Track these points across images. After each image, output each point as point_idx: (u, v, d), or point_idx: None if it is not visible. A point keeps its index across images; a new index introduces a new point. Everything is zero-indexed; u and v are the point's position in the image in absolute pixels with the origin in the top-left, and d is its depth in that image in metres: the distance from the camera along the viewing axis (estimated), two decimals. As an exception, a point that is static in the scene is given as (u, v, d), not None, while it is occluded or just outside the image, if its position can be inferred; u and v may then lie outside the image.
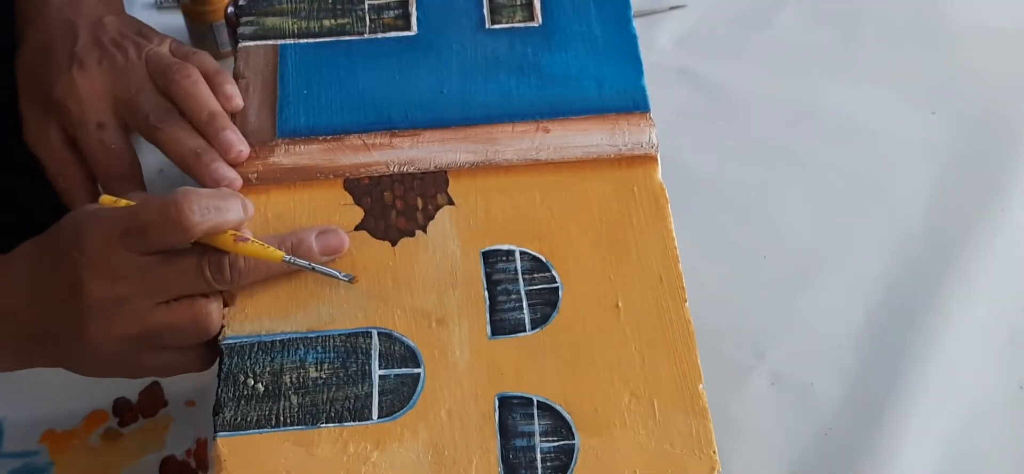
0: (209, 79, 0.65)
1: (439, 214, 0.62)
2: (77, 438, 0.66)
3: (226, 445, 0.54)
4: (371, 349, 0.57)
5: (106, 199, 0.58)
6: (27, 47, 0.68)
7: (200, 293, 0.57)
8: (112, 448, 0.66)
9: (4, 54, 0.70)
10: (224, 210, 0.56)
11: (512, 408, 0.55)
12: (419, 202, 0.62)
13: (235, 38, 0.71)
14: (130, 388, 0.67)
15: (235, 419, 0.55)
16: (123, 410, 0.67)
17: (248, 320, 0.58)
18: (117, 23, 0.69)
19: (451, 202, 0.62)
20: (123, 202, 0.58)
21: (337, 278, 0.58)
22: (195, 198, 0.55)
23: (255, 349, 0.57)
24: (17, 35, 0.70)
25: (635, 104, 0.66)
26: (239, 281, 0.57)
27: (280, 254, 0.57)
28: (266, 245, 0.57)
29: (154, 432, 0.66)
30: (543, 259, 0.60)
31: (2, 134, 0.71)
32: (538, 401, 0.55)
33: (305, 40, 0.69)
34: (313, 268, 0.58)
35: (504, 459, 0.53)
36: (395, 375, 0.56)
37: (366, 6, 0.70)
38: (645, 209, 0.61)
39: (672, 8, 0.94)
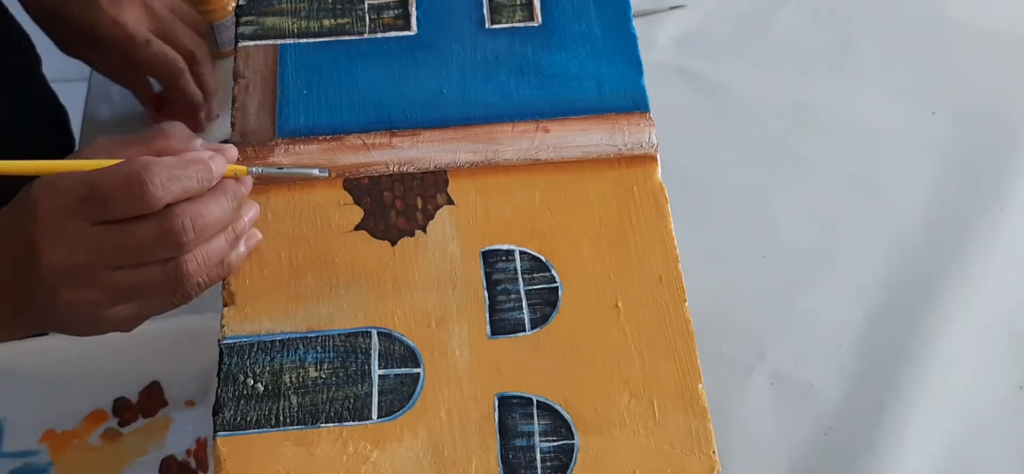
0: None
1: (439, 214, 0.61)
2: (77, 438, 0.66)
3: (226, 445, 0.54)
4: (371, 349, 0.57)
5: (61, 163, 0.56)
6: None
7: (162, 256, 0.55)
8: (112, 448, 0.66)
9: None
10: (185, 179, 0.54)
11: (512, 408, 0.55)
12: (419, 202, 0.62)
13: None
14: (130, 388, 0.67)
15: (235, 419, 0.55)
16: (123, 410, 0.67)
17: (248, 320, 0.58)
18: None
19: (451, 202, 0.62)
20: (88, 164, 0.55)
21: (313, 176, 0.58)
22: (157, 170, 0.53)
23: (255, 349, 0.57)
24: None
25: (635, 104, 0.65)
26: (206, 232, 0.56)
27: (245, 169, 0.57)
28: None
29: (154, 432, 0.66)
30: (543, 259, 0.60)
31: None
32: (538, 401, 0.55)
33: (305, 40, 0.69)
34: (284, 172, 0.57)
35: (504, 459, 0.53)
36: (395, 375, 0.56)
37: (366, 6, 0.70)
38: (645, 209, 0.61)
39: (672, 8, 0.94)
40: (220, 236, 0.57)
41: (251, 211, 0.59)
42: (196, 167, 0.55)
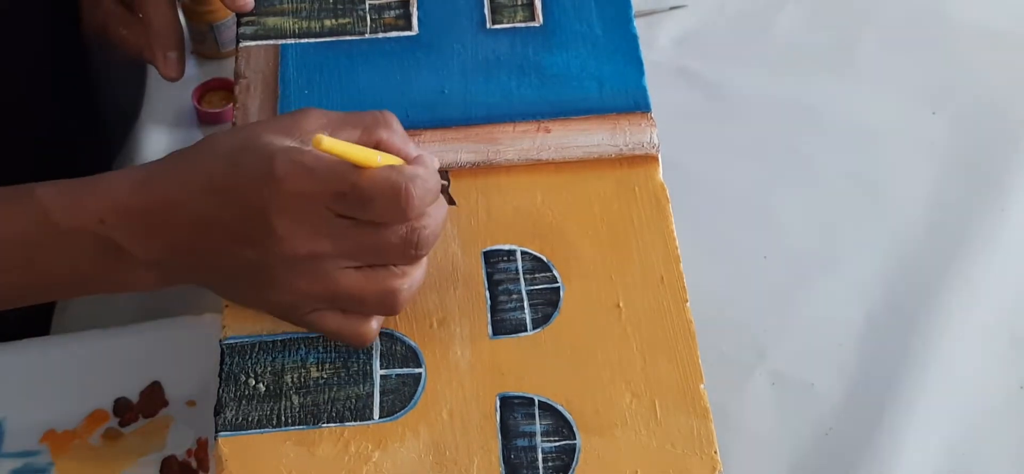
0: None
1: (440, 214, 0.61)
2: (78, 438, 0.66)
3: (227, 445, 0.54)
4: (372, 349, 0.57)
5: (323, 140, 0.50)
6: None
7: (396, 263, 0.54)
8: (113, 448, 0.66)
9: None
10: (431, 192, 0.54)
11: (513, 408, 0.55)
12: (420, 202, 0.62)
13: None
14: (131, 388, 0.67)
15: (236, 419, 0.55)
16: (124, 410, 0.67)
17: (249, 320, 0.58)
18: None
19: (452, 202, 0.62)
20: (335, 147, 0.51)
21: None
22: (419, 182, 0.52)
23: (256, 349, 0.57)
24: None
25: (636, 104, 0.66)
26: (432, 245, 0.55)
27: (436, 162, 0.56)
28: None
29: (155, 432, 0.66)
30: (544, 259, 0.60)
31: None
32: (539, 401, 0.55)
33: (306, 40, 0.69)
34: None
35: (505, 459, 0.53)
36: (396, 375, 0.56)
37: (367, 6, 0.70)
38: (646, 209, 0.61)
39: (672, 8, 0.94)
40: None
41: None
42: (436, 178, 0.55)
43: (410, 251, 0.54)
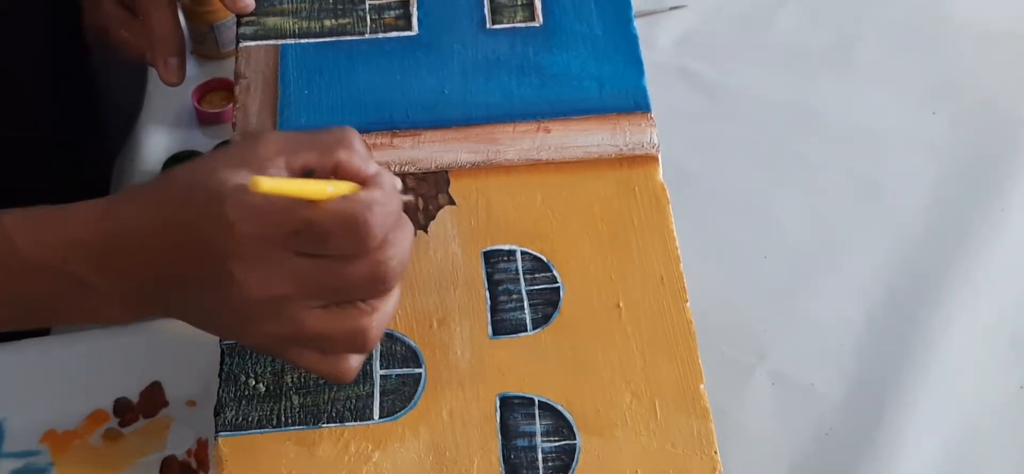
0: None
1: (440, 214, 0.62)
2: (78, 438, 0.66)
3: (227, 445, 0.54)
4: (372, 349, 0.57)
5: (260, 182, 0.47)
6: None
7: (364, 299, 0.52)
8: (113, 448, 0.66)
9: None
10: (392, 215, 0.51)
11: (513, 408, 0.55)
12: (420, 202, 0.62)
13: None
14: (131, 388, 0.67)
15: (236, 419, 0.55)
16: (124, 410, 0.67)
17: (249, 320, 0.58)
18: None
19: (452, 202, 0.62)
20: (276, 187, 0.48)
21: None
22: (378, 210, 0.49)
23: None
24: None
25: (636, 104, 0.66)
26: (403, 271, 0.52)
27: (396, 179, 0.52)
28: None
29: (155, 432, 0.66)
30: (544, 259, 0.60)
31: None
32: (539, 401, 0.55)
33: (306, 40, 0.69)
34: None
35: (505, 459, 0.53)
36: (396, 375, 0.56)
37: (367, 6, 0.70)
38: (646, 209, 0.61)
39: (673, 8, 0.94)
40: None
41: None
42: (396, 199, 0.51)
43: (378, 286, 0.51)
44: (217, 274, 0.50)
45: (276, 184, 0.48)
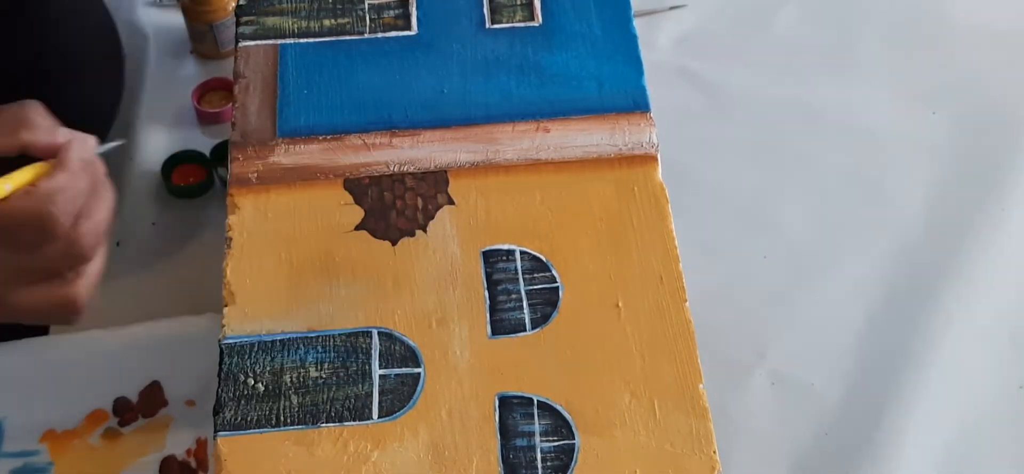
0: None
1: (439, 214, 0.61)
2: (77, 438, 0.66)
3: (226, 445, 0.54)
4: (371, 349, 0.57)
5: None
6: None
7: (66, 273, 0.53)
8: (112, 448, 0.66)
9: None
10: (81, 196, 0.51)
11: (512, 408, 0.55)
12: (419, 202, 0.62)
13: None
14: (130, 388, 0.67)
15: (235, 419, 0.55)
16: (123, 410, 0.67)
17: (248, 320, 0.58)
18: None
19: (451, 202, 0.62)
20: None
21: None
22: (61, 199, 0.50)
23: (255, 349, 0.57)
24: None
25: (635, 104, 0.66)
26: (102, 239, 0.53)
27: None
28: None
29: (154, 432, 0.66)
30: (543, 259, 0.60)
31: None
32: (538, 401, 0.55)
33: (305, 40, 0.69)
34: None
35: (504, 459, 0.53)
36: (395, 375, 0.56)
37: (366, 6, 0.70)
38: (645, 209, 0.61)
39: (672, 8, 0.94)
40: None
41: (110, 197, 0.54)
42: (85, 175, 0.52)
43: (76, 261, 0.52)
44: None
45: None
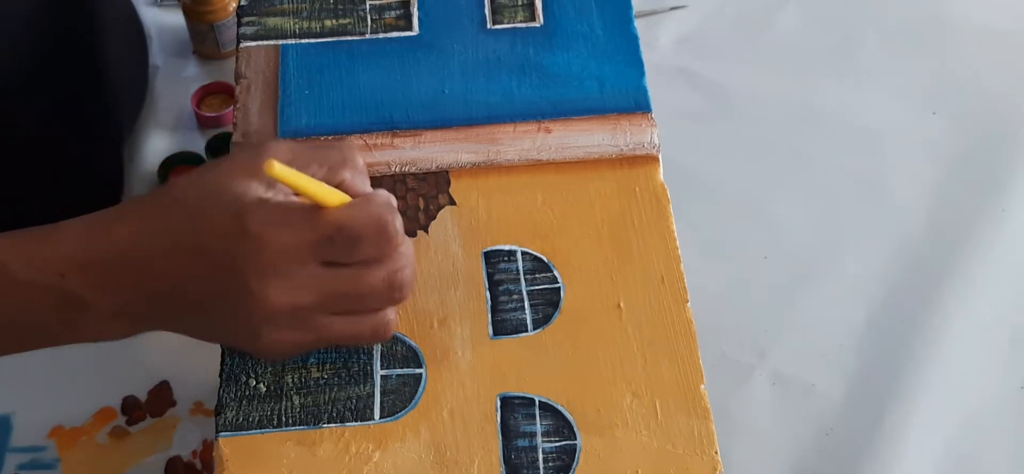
0: None
1: (441, 214, 0.62)
2: (85, 435, 0.66)
3: (228, 445, 0.54)
4: (373, 349, 0.57)
5: (275, 167, 0.47)
6: None
7: (378, 308, 0.53)
8: (119, 446, 0.66)
9: None
10: (406, 238, 0.52)
11: (514, 408, 0.55)
12: (420, 202, 0.62)
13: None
14: (139, 387, 0.67)
15: (237, 419, 0.55)
16: (132, 408, 0.67)
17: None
18: None
19: (453, 202, 0.62)
20: (290, 176, 0.48)
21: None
22: (396, 214, 0.51)
23: (257, 349, 0.57)
24: None
25: (637, 104, 0.66)
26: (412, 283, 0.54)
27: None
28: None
29: (161, 432, 0.66)
30: (545, 259, 0.60)
31: None
32: (540, 401, 0.55)
33: (306, 40, 0.69)
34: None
35: (506, 459, 0.53)
36: (397, 375, 0.56)
37: (367, 6, 0.70)
38: (647, 209, 0.61)
39: (673, 8, 0.94)
40: None
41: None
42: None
43: (394, 295, 0.52)
44: (236, 288, 0.50)
45: (291, 174, 0.48)
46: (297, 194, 0.51)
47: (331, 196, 0.50)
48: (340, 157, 0.53)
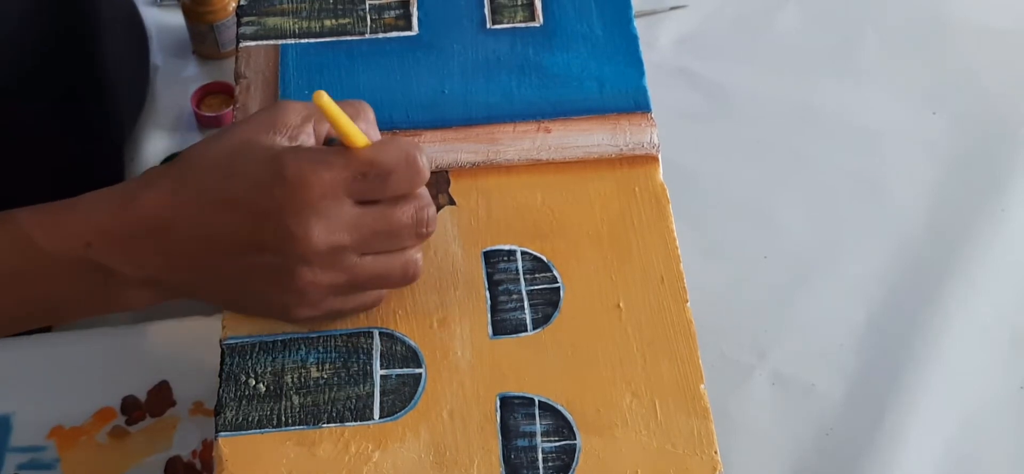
0: None
1: (440, 214, 0.62)
2: (85, 435, 0.66)
3: (227, 445, 0.54)
4: (372, 349, 0.57)
5: (323, 96, 0.50)
6: None
7: (406, 245, 0.55)
8: (119, 446, 0.66)
9: None
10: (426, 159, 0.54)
11: (514, 408, 0.55)
12: (421, 202, 0.62)
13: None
14: (139, 387, 0.67)
15: (236, 419, 0.55)
16: (132, 408, 0.67)
17: (249, 320, 0.58)
18: None
19: (452, 202, 0.62)
20: (335, 110, 0.51)
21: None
22: (422, 150, 0.53)
23: (256, 349, 0.57)
24: None
25: (636, 104, 0.66)
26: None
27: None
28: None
29: (161, 432, 0.66)
30: (544, 259, 0.60)
31: None
32: (540, 401, 0.55)
33: (306, 40, 0.69)
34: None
35: (506, 459, 0.53)
36: (396, 375, 0.56)
37: (367, 6, 0.70)
38: (646, 209, 0.61)
39: (673, 8, 0.94)
40: None
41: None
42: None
43: (422, 229, 0.55)
44: (275, 234, 0.51)
45: (332, 108, 0.51)
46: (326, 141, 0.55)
47: (360, 137, 0.53)
48: (354, 110, 0.56)
